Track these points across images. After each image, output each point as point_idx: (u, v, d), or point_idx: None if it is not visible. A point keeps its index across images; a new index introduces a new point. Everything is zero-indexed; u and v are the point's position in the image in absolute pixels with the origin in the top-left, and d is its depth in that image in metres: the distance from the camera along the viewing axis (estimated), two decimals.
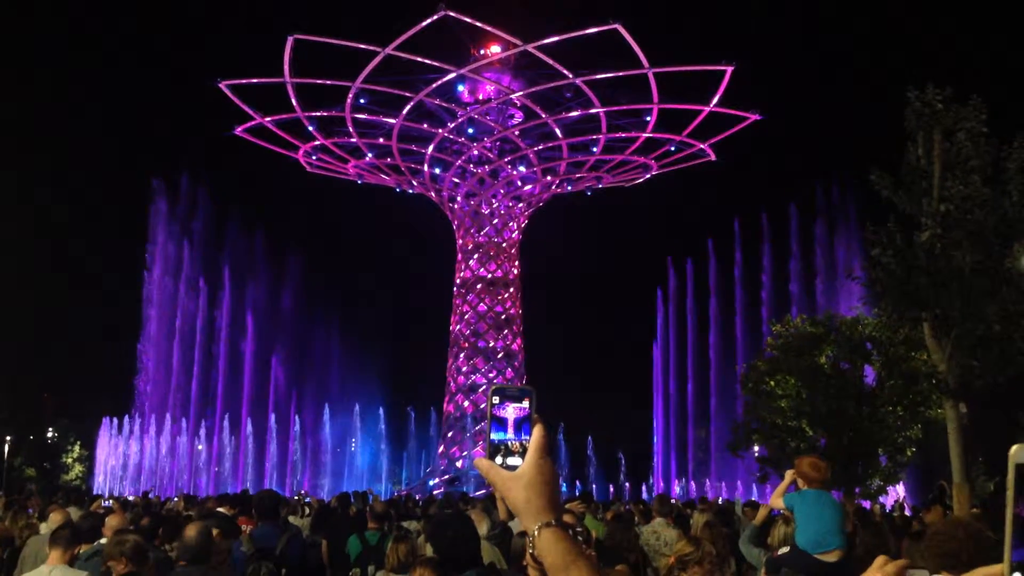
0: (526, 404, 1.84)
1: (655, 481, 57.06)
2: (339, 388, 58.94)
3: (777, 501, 7.73)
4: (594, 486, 55.90)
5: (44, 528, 10.66)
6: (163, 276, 54.78)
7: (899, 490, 27.39)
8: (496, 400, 1.84)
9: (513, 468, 1.78)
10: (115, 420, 54.27)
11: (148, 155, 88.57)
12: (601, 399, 68.16)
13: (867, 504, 23.28)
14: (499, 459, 1.80)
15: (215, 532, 8.27)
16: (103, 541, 7.57)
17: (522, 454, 1.79)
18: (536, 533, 1.70)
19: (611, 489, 58.83)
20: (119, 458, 53.86)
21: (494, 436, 1.83)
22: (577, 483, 56.00)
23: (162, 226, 54.94)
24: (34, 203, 65.23)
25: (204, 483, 52.43)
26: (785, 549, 7.55)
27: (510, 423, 1.83)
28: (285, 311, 57.90)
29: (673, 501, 20.37)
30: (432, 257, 70.58)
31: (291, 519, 13.99)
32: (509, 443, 1.82)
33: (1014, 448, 1.28)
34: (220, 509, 11.52)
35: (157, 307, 54.62)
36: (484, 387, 53.72)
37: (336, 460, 58.85)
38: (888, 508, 24.55)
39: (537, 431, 1.80)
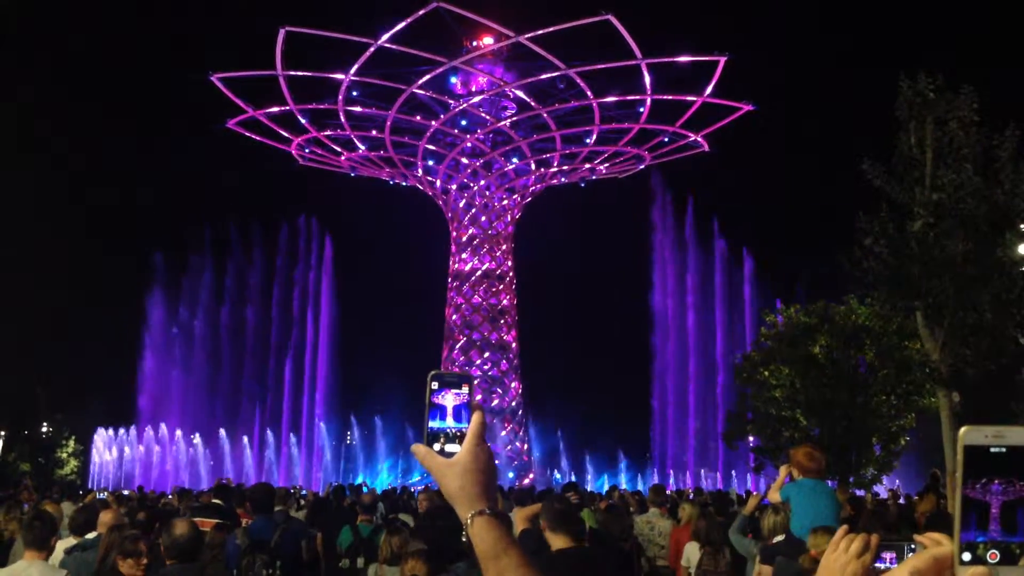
0: (465, 391, 1.83)
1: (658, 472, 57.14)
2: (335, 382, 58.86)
3: (774, 495, 7.74)
4: (589, 477, 55.94)
5: None
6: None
7: (886, 483, 27.46)
8: (435, 386, 1.82)
9: (451, 455, 1.77)
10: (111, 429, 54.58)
11: (143, 153, 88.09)
12: (597, 391, 68.17)
13: (861, 493, 23.36)
14: (437, 446, 1.79)
15: (210, 525, 8.28)
16: (91, 536, 7.52)
17: (461, 441, 1.78)
18: (469, 521, 1.70)
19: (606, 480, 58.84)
20: (115, 457, 53.92)
21: (433, 424, 1.81)
22: (556, 475, 55.92)
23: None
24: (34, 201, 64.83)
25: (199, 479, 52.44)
26: (780, 538, 7.56)
27: (449, 410, 1.82)
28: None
29: (668, 492, 20.40)
30: (426, 249, 70.33)
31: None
32: (448, 431, 1.80)
33: (963, 429, 1.28)
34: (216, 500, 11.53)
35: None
36: (479, 380, 53.64)
37: (334, 454, 58.81)
38: (883, 496, 24.63)
39: (475, 418, 1.79)
